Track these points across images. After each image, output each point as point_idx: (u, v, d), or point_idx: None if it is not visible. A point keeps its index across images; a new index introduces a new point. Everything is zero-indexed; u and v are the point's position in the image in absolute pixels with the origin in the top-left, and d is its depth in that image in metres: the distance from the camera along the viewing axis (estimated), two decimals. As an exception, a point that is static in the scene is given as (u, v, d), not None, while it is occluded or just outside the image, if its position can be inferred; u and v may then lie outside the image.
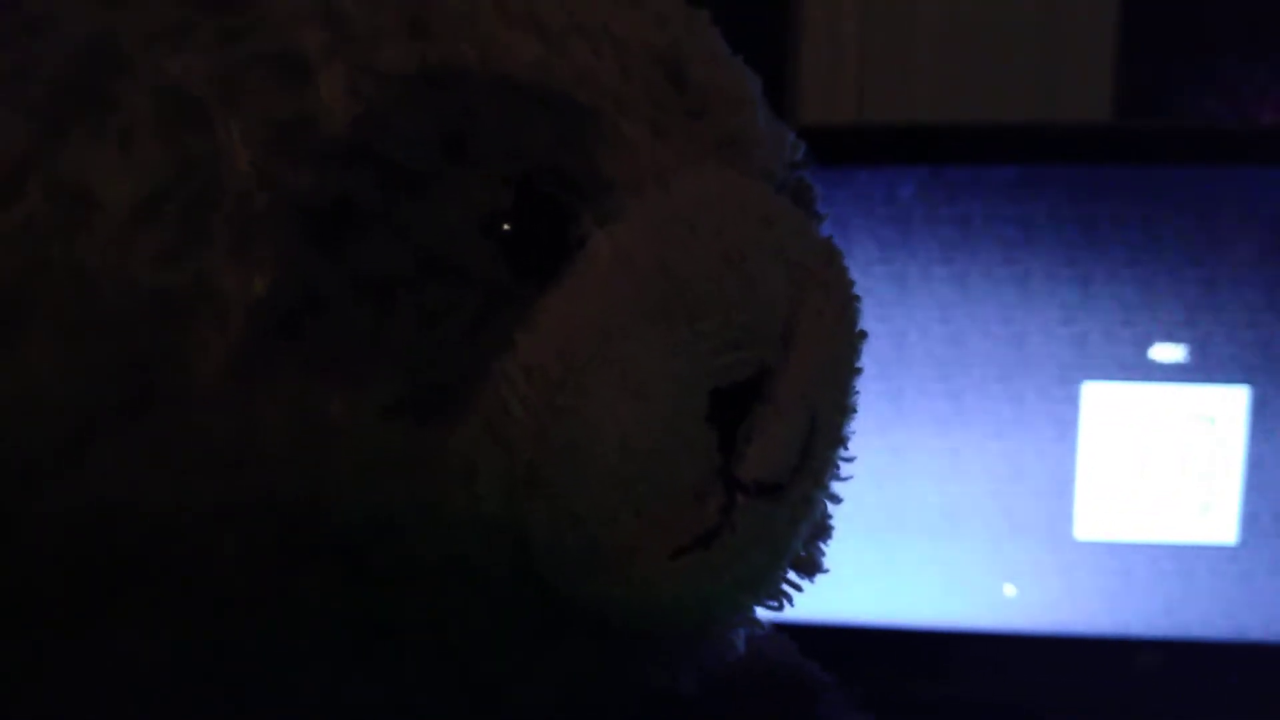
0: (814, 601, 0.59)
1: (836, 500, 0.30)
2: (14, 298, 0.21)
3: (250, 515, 0.22)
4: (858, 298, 0.27)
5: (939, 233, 0.57)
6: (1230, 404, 0.58)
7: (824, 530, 0.30)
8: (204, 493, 0.22)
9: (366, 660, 0.25)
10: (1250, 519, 0.58)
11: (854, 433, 0.29)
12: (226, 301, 0.22)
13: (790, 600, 0.29)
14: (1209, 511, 0.58)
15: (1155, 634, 0.59)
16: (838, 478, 0.29)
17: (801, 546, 0.29)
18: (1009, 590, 0.59)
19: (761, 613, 0.30)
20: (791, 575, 0.29)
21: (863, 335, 0.28)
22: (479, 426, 0.23)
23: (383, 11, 0.23)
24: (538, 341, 0.23)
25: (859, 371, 0.28)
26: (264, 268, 0.22)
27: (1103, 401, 0.58)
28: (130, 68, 0.22)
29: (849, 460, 0.29)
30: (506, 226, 0.23)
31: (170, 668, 0.24)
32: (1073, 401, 0.58)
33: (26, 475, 0.22)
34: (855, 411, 0.28)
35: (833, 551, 0.60)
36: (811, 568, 0.29)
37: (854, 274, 0.28)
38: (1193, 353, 0.57)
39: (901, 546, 0.59)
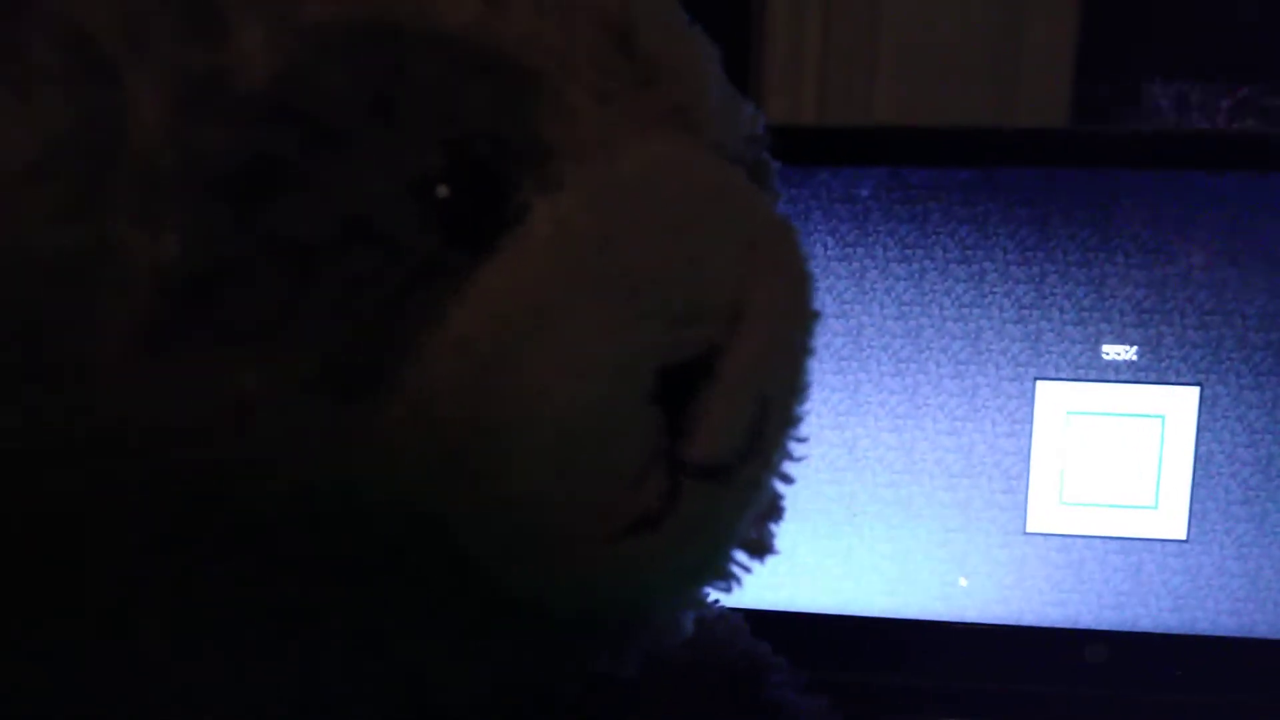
0: (772, 590, 0.60)
1: (789, 481, 0.29)
2: None
3: (156, 495, 0.21)
4: (811, 276, 0.26)
5: (897, 232, 0.58)
6: (1180, 403, 0.59)
7: (775, 511, 0.29)
8: (106, 470, 0.21)
9: (285, 652, 0.24)
10: (1198, 515, 0.59)
11: (808, 420, 0.28)
12: (132, 266, 0.20)
13: (739, 582, 0.28)
14: (1159, 508, 0.60)
15: (1104, 626, 0.60)
16: (790, 458, 0.28)
17: (751, 528, 0.28)
18: (962, 581, 0.61)
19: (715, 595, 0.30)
20: (741, 557, 0.28)
21: (815, 315, 0.27)
22: (405, 405, 0.22)
23: None
24: (470, 315, 0.22)
25: (811, 352, 0.27)
26: (173, 230, 0.20)
27: (1056, 398, 0.59)
28: (30, 11, 0.21)
29: (801, 441, 0.28)
30: (441, 191, 0.22)
31: (74, 657, 0.23)
32: (1027, 398, 0.59)
33: None
34: (807, 392, 0.27)
35: (791, 542, 0.61)
36: (761, 549, 0.29)
37: (814, 270, 0.27)
38: (1143, 353, 0.59)
39: (858, 538, 0.61)
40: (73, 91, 0.20)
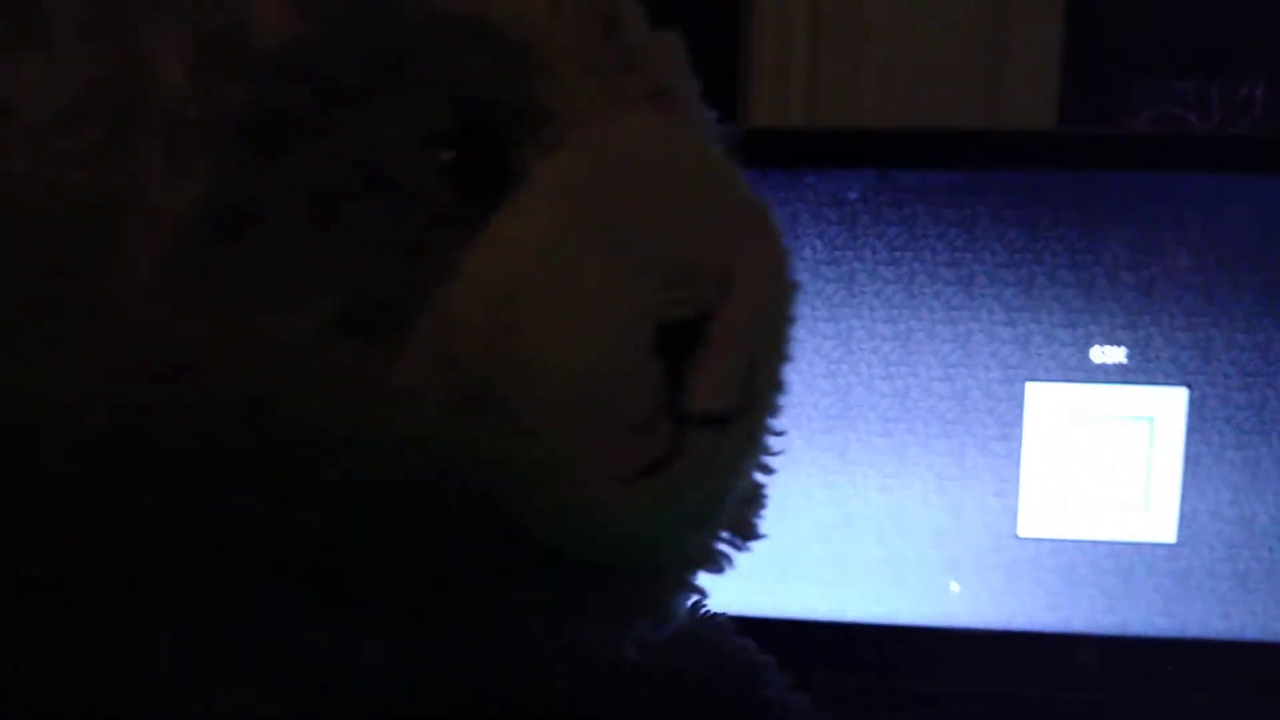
0: (765, 596, 0.60)
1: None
2: None
3: (177, 433, 0.22)
4: (789, 250, 0.28)
5: (886, 234, 0.58)
6: (1169, 405, 0.59)
7: (758, 500, 0.31)
8: (127, 408, 0.22)
9: (309, 596, 0.24)
10: (1188, 518, 0.59)
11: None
12: (156, 210, 0.22)
13: (731, 562, 0.30)
14: (1148, 510, 0.60)
15: (1095, 630, 0.60)
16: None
17: (737, 513, 0.29)
18: (954, 586, 0.60)
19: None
20: (731, 539, 0.30)
21: (796, 285, 0.28)
22: (423, 345, 0.23)
23: None
24: (480, 262, 0.23)
25: (794, 320, 0.28)
26: (197, 176, 0.22)
27: (1045, 401, 0.59)
28: None
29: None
30: (447, 151, 0.23)
31: (88, 590, 0.24)
32: (1016, 401, 0.59)
33: None
34: (791, 359, 0.29)
35: (783, 548, 0.61)
36: (749, 532, 0.30)
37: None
38: (1132, 355, 0.59)
39: (849, 543, 0.60)
40: (95, 47, 0.22)
